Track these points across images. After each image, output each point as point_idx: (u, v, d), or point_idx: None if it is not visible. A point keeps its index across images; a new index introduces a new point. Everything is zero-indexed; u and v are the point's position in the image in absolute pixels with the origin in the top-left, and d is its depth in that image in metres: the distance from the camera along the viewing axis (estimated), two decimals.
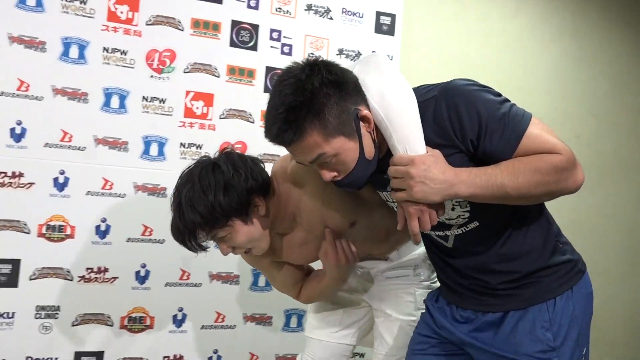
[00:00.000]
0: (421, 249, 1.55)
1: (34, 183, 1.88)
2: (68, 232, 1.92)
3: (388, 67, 1.21)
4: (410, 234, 1.13)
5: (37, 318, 1.89)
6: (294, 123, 1.09)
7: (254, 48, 2.13)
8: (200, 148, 2.06)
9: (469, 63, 2.71)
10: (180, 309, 2.07)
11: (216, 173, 1.31)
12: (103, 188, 1.97)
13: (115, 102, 1.97)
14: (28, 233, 1.87)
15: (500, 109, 1.09)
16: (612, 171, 3.11)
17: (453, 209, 1.19)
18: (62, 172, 1.91)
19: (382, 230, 1.47)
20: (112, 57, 1.96)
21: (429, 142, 1.11)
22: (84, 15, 1.93)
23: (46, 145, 1.90)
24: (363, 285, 1.64)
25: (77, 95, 1.94)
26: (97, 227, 1.96)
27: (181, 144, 2.06)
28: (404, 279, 1.57)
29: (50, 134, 1.91)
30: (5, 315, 1.86)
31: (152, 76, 2.02)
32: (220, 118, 2.11)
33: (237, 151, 1.40)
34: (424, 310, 1.44)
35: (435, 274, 1.52)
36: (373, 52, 2.23)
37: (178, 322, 2.07)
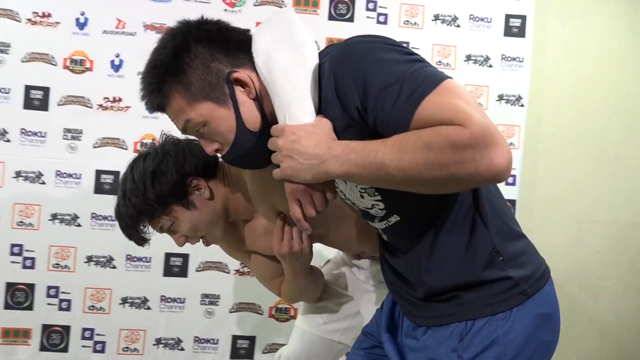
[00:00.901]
0: None
1: (129, 106, 2.17)
2: None
3: (287, 24, 1.03)
4: (293, 219, 0.99)
5: (202, 304, 2.24)
6: (155, 84, 0.99)
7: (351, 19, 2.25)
8: None
9: (610, 59, 2.57)
10: None
11: (146, 161, 1.27)
12: None
13: None
14: None
15: (398, 70, 0.85)
16: None
17: (362, 197, 1.02)
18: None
19: (346, 222, 1.29)
20: None
21: (327, 115, 0.94)
22: None
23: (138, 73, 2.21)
24: (353, 286, 1.51)
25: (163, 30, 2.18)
26: None
27: None
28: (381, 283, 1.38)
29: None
30: (178, 300, 2.23)
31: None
32: None
33: (176, 136, 1.30)
34: None
35: None
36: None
37: None
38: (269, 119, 1.00)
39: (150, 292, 2.22)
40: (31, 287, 2.17)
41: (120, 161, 1.99)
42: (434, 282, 1.01)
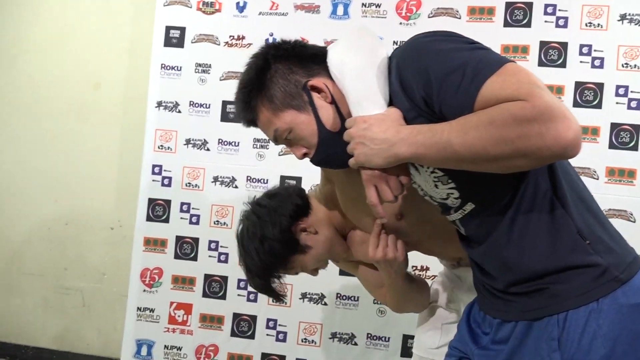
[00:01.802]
0: None
1: None
2: None
3: (358, 33, 1.16)
4: (370, 205, 1.02)
5: (374, 304, 2.36)
6: (245, 102, 1.11)
7: (562, 65, 2.21)
8: None
9: None
10: None
11: (249, 235, 1.35)
12: None
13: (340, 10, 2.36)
14: None
15: (459, 57, 0.90)
16: None
17: (436, 186, 1.04)
18: None
19: (440, 225, 1.25)
20: None
21: (397, 108, 1.00)
22: None
23: None
24: (457, 297, 1.48)
25: (312, 9, 2.35)
26: None
27: None
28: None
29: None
30: (352, 298, 2.38)
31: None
32: None
33: (259, 199, 1.41)
34: None
35: None
36: None
37: None
38: (346, 119, 1.06)
39: (327, 289, 2.40)
40: (224, 278, 2.45)
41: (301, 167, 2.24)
42: (518, 271, 0.99)
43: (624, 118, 2.15)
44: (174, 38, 2.46)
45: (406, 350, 2.34)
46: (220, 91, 2.43)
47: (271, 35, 2.39)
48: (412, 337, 2.31)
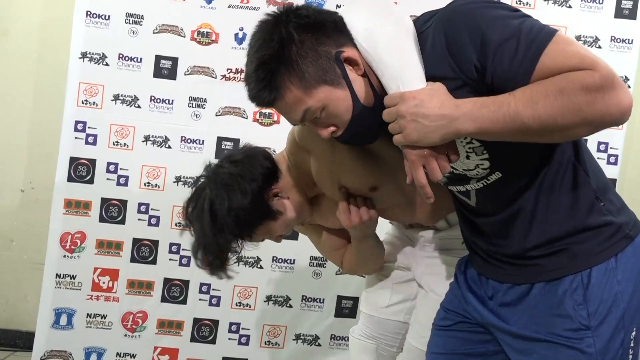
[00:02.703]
0: None
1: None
2: None
3: (377, 1, 1.08)
4: (417, 186, 0.96)
5: (310, 266, 2.39)
6: (267, 80, 0.97)
7: None
8: None
9: None
10: None
11: (213, 207, 1.22)
12: None
13: None
14: None
15: (512, 25, 0.88)
16: None
17: (468, 157, 1.01)
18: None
19: (415, 194, 1.31)
20: None
21: (431, 79, 0.95)
22: None
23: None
24: (408, 257, 1.49)
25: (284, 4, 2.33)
26: None
27: None
28: (453, 252, 1.35)
29: None
30: (288, 261, 2.39)
31: None
32: None
33: (220, 166, 1.29)
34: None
35: None
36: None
37: None
38: (379, 93, 1.02)
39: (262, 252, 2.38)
40: (155, 243, 2.35)
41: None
42: (539, 235, 1.02)
43: None
44: None
45: (340, 311, 2.40)
46: (153, 45, 2.29)
47: (241, 29, 2.29)
48: (346, 298, 2.40)
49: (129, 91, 2.30)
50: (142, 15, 2.28)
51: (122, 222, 2.33)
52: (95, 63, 2.29)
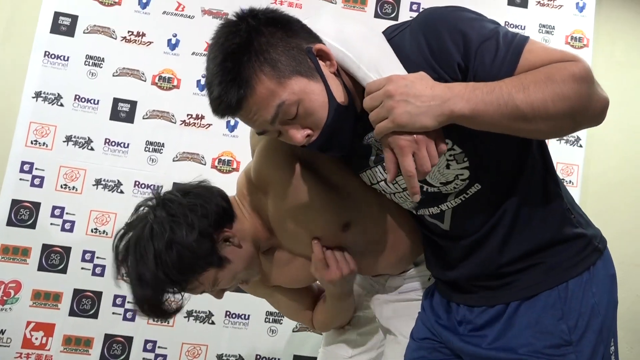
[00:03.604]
0: None
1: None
2: None
3: (335, 13, 1.14)
4: (405, 177, 0.85)
5: (265, 322, 2.25)
6: (236, 71, 0.86)
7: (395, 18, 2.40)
8: None
9: None
10: None
11: (155, 237, 1.04)
12: None
13: None
14: None
15: (489, 27, 0.90)
16: None
17: (448, 166, 0.97)
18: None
19: (387, 233, 1.20)
20: None
21: None
22: None
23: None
24: (374, 304, 1.37)
25: (220, 15, 2.30)
26: None
27: None
28: (420, 291, 1.28)
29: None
30: (242, 317, 2.24)
31: None
32: None
33: (170, 194, 1.13)
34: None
35: None
36: None
37: None
38: (351, 93, 0.96)
39: (216, 306, 2.24)
40: (98, 294, 2.17)
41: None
42: (517, 248, 0.99)
43: None
44: (63, 26, 2.25)
45: None
46: (112, 88, 2.25)
47: (174, 36, 2.30)
48: (303, 357, 2.25)
49: (83, 133, 2.22)
50: (103, 58, 2.25)
51: (64, 271, 2.17)
52: (49, 103, 2.21)
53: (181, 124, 2.28)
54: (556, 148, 2.41)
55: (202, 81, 2.25)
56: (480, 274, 1.04)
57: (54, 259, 2.16)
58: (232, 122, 2.29)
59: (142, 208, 1.12)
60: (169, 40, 2.30)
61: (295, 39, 0.92)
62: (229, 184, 1.88)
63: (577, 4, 2.51)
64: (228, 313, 2.23)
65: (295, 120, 0.92)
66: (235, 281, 1.18)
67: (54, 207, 2.18)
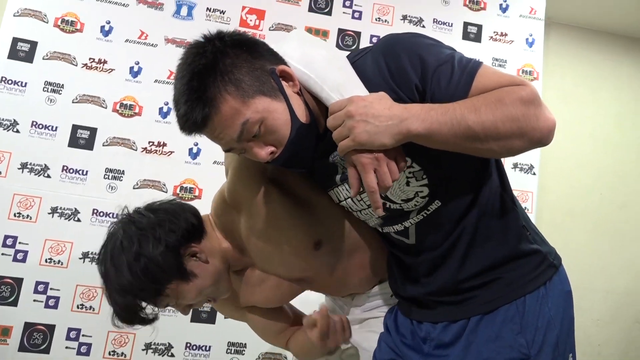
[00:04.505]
0: None
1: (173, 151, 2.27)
2: None
3: (307, 34, 1.11)
4: (368, 192, 0.89)
5: (227, 353, 2.19)
6: (202, 91, 0.90)
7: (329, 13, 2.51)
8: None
9: (602, 141, 2.90)
10: None
11: (125, 250, 1.09)
12: None
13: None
14: None
15: (445, 52, 0.95)
16: None
17: (408, 184, 1.01)
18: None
19: (357, 250, 1.23)
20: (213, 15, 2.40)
21: None
22: None
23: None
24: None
25: (183, 44, 2.29)
26: None
27: None
28: (383, 308, 1.30)
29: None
30: (203, 348, 2.18)
31: None
32: None
33: (140, 212, 1.16)
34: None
35: None
36: None
37: None
38: (314, 113, 1.00)
39: (175, 338, 2.17)
40: (51, 328, 2.08)
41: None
42: (477, 264, 1.03)
43: None
44: (22, 52, 2.21)
45: None
46: (71, 114, 2.21)
47: (137, 63, 2.29)
48: None
49: (39, 160, 2.17)
50: (62, 84, 2.22)
51: (14, 303, 2.07)
52: (4, 129, 2.15)
53: (142, 151, 2.25)
54: (510, 175, 2.47)
55: (165, 108, 2.28)
56: (443, 289, 1.07)
57: (4, 290, 2.07)
58: (195, 150, 2.28)
59: (112, 227, 1.16)
60: (131, 68, 2.29)
61: (259, 61, 0.96)
62: None
63: (527, 39, 2.65)
64: (189, 345, 2.17)
65: (259, 138, 0.95)
66: (202, 297, 1.18)
67: (6, 237, 2.10)
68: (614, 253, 2.85)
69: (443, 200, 1.03)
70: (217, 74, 0.91)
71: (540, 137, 0.89)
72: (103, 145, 2.22)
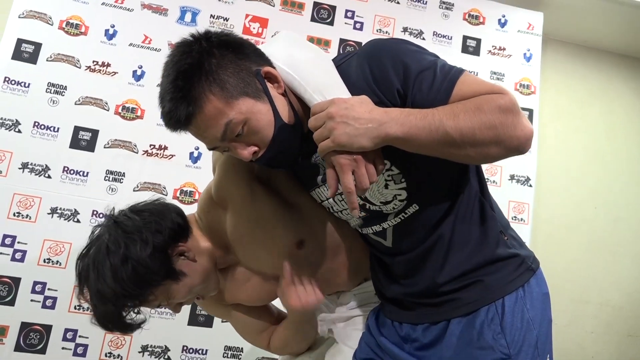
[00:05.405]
0: None
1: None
2: None
3: (295, 36, 1.12)
4: (345, 193, 0.91)
5: (224, 357, 2.19)
6: (186, 90, 0.91)
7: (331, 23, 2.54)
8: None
9: (594, 156, 2.95)
10: None
11: (110, 252, 1.07)
12: None
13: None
14: None
15: (428, 59, 0.97)
16: None
17: (387, 186, 1.03)
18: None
19: (340, 249, 1.25)
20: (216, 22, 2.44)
21: None
22: None
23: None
24: (328, 324, 1.40)
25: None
26: None
27: None
28: (368, 305, 1.31)
29: None
30: (200, 352, 2.18)
31: None
32: None
33: (124, 214, 1.15)
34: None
35: None
36: None
37: None
38: (298, 114, 1.01)
39: (172, 341, 2.17)
40: (48, 328, 2.08)
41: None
42: (456, 267, 1.04)
43: None
44: (26, 53, 2.23)
45: None
46: (73, 116, 2.22)
47: (140, 67, 2.31)
48: None
49: (40, 160, 2.17)
50: (65, 86, 2.24)
51: (11, 303, 2.06)
52: (6, 129, 2.16)
53: (143, 154, 2.26)
54: (507, 186, 2.53)
55: None
56: (422, 291, 1.08)
57: (1, 290, 2.06)
58: (196, 154, 2.30)
59: (98, 229, 1.15)
60: (135, 72, 2.31)
61: (245, 62, 0.97)
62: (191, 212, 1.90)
63: (525, 54, 2.69)
64: (185, 348, 2.17)
65: (243, 138, 0.97)
66: (192, 295, 1.20)
67: (5, 236, 2.10)
68: (608, 266, 2.88)
69: (421, 204, 1.05)
70: (202, 74, 0.92)
71: (517, 145, 0.90)
72: (104, 147, 2.23)
